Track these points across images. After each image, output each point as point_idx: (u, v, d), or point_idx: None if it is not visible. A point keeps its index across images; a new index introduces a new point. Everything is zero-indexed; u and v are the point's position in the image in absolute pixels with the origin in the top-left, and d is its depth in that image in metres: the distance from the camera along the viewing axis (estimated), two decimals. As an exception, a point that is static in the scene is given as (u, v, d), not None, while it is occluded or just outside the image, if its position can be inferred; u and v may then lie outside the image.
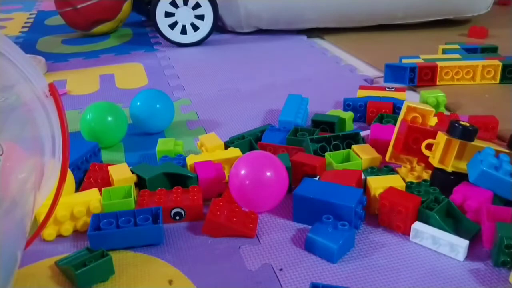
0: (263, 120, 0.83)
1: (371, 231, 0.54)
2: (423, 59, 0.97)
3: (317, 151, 0.65)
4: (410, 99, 0.86)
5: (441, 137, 0.56)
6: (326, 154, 0.63)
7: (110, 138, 0.75)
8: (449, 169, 0.56)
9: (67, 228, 0.55)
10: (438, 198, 0.54)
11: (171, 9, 1.25)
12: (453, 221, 0.53)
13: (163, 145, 0.69)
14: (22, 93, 0.47)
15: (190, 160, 0.63)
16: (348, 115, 0.76)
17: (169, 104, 0.79)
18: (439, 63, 0.94)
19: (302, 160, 0.61)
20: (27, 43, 1.43)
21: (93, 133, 0.73)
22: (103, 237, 0.51)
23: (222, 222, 0.53)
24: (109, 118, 0.74)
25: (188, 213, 0.56)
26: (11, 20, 1.78)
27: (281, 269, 0.48)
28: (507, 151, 0.57)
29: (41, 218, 0.51)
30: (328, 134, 0.69)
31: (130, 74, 1.12)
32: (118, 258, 0.50)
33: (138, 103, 0.77)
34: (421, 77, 0.94)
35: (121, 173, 0.60)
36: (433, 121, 0.62)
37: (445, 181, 0.57)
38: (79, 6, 1.36)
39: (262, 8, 1.31)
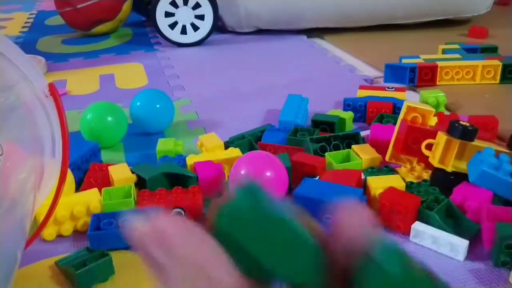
0: (263, 120, 0.83)
1: (371, 231, 0.54)
2: (423, 59, 0.97)
3: (317, 151, 0.65)
4: (410, 99, 0.86)
5: (441, 137, 0.56)
6: (326, 154, 0.63)
7: (110, 138, 0.75)
8: (449, 169, 0.56)
9: (67, 228, 0.55)
10: (438, 198, 0.54)
11: (171, 9, 1.25)
12: (453, 221, 0.53)
13: (163, 145, 0.69)
14: (22, 93, 0.47)
15: (190, 160, 0.63)
16: (348, 115, 0.76)
17: (169, 104, 0.79)
18: (439, 63, 0.94)
19: (302, 160, 0.61)
20: (27, 43, 1.43)
21: (93, 133, 0.73)
22: (103, 237, 0.51)
23: (222, 222, 0.53)
24: (109, 118, 0.74)
25: (188, 213, 0.56)
26: (11, 20, 1.78)
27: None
28: (507, 151, 0.57)
29: (41, 218, 0.51)
30: (328, 134, 0.69)
31: (130, 74, 1.12)
32: (118, 258, 0.50)
33: (138, 103, 0.77)
34: (421, 77, 0.94)
35: (121, 173, 0.61)
36: (433, 121, 0.62)
37: (445, 181, 0.57)
38: (79, 6, 1.36)
39: (262, 8, 1.31)
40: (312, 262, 0.18)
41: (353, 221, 0.19)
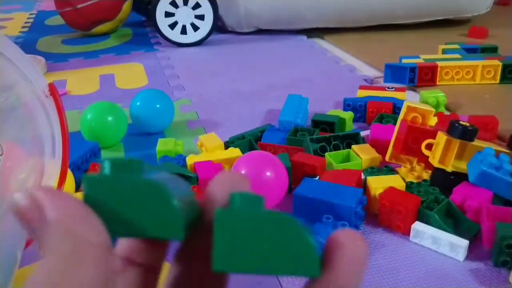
0: (263, 120, 0.83)
1: (371, 231, 0.54)
2: (423, 59, 0.97)
3: (317, 151, 0.65)
4: (410, 99, 0.86)
5: (441, 137, 0.56)
6: (326, 154, 0.63)
7: (110, 138, 0.75)
8: (449, 169, 0.56)
9: (67, 228, 0.54)
10: (438, 198, 0.54)
11: (171, 9, 1.25)
12: (453, 221, 0.53)
13: (163, 145, 0.69)
14: (22, 93, 0.47)
15: (190, 160, 0.63)
16: (348, 115, 0.76)
17: (169, 104, 0.79)
18: (439, 63, 0.94)
19: (302, 160, 0.61)
20: (27, 43, 1.43)
21: (93, 133, 0.73)
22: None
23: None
24: (109, 118, 0.74)
25: (188, 213, 0.56)
26: (11, 20, 1.78)
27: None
28: (507, 151, 0.57)
29: (41, 218, 0.51)
30: (328, 134, 0.69)
31: (130, 74, 1.12)
32: (118, 258, 0.50)
33: (138, 103, 0.77)
34: (421, 77, 0.94)
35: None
36: (433, 121, 0.62)
37: (445, 181, 0.57)
38: (79, 6, 1.36)
39: (262, 8, 1.31)
40: (175, 218, 0.19)
41: (222, 182, 0.21)
